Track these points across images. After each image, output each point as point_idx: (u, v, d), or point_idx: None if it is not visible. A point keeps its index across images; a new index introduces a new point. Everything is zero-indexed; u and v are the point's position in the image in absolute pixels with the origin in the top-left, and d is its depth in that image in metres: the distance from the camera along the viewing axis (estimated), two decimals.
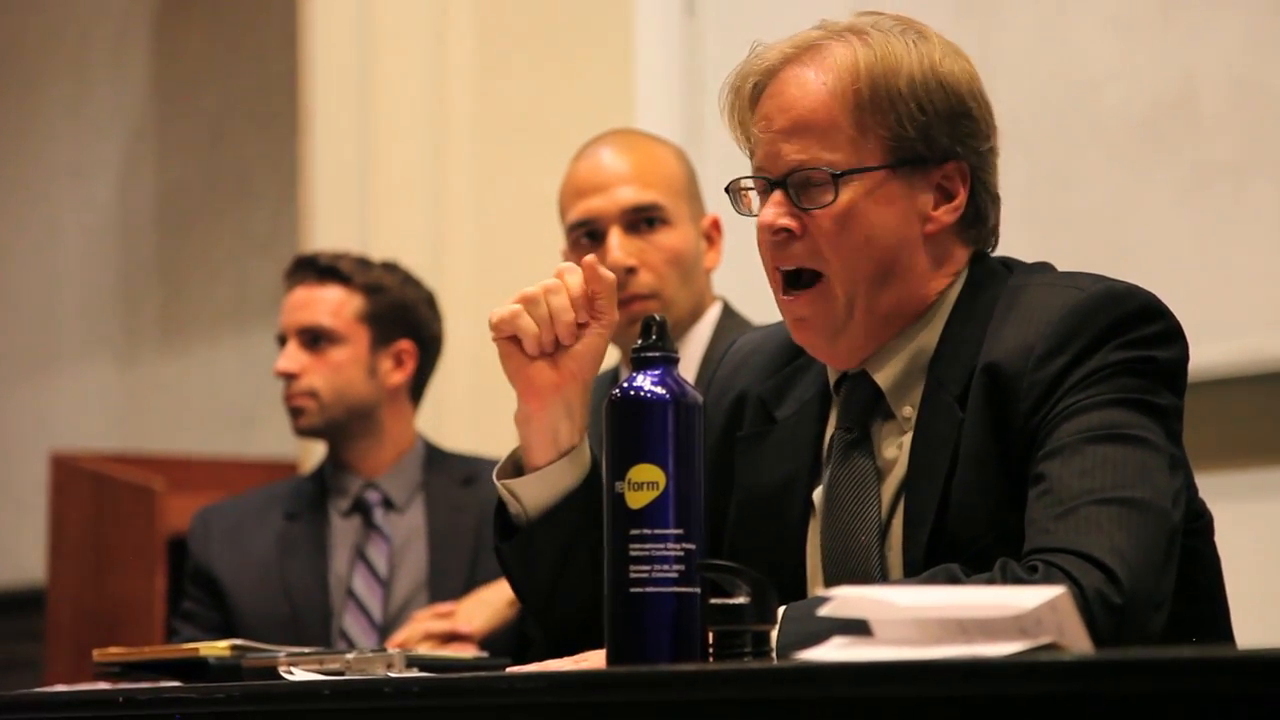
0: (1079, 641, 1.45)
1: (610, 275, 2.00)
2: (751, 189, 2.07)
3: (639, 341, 1.82)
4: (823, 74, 2.01)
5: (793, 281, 2.04)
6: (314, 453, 4.06)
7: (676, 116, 4.09)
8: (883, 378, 2.04)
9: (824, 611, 1.54)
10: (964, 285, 2.05)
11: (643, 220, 3.07)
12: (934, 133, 2.01)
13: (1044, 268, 2.08)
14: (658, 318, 1.83)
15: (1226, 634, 2.07)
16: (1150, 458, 1.88)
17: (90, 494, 4.67)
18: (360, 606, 3.41)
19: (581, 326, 2.01)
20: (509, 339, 2.01)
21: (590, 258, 2.01)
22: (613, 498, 1.78)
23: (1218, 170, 3.28)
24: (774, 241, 2.03)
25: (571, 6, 4.51)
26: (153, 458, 4.98)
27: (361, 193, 4.62)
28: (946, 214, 2.04)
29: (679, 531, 1.76)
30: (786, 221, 2.02)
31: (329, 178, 4.67)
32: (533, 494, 2.03)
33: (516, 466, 2.05)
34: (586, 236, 3.09)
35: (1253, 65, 3.25)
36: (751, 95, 2.05)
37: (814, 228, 2.01)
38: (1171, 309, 1.99)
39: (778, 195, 2.03)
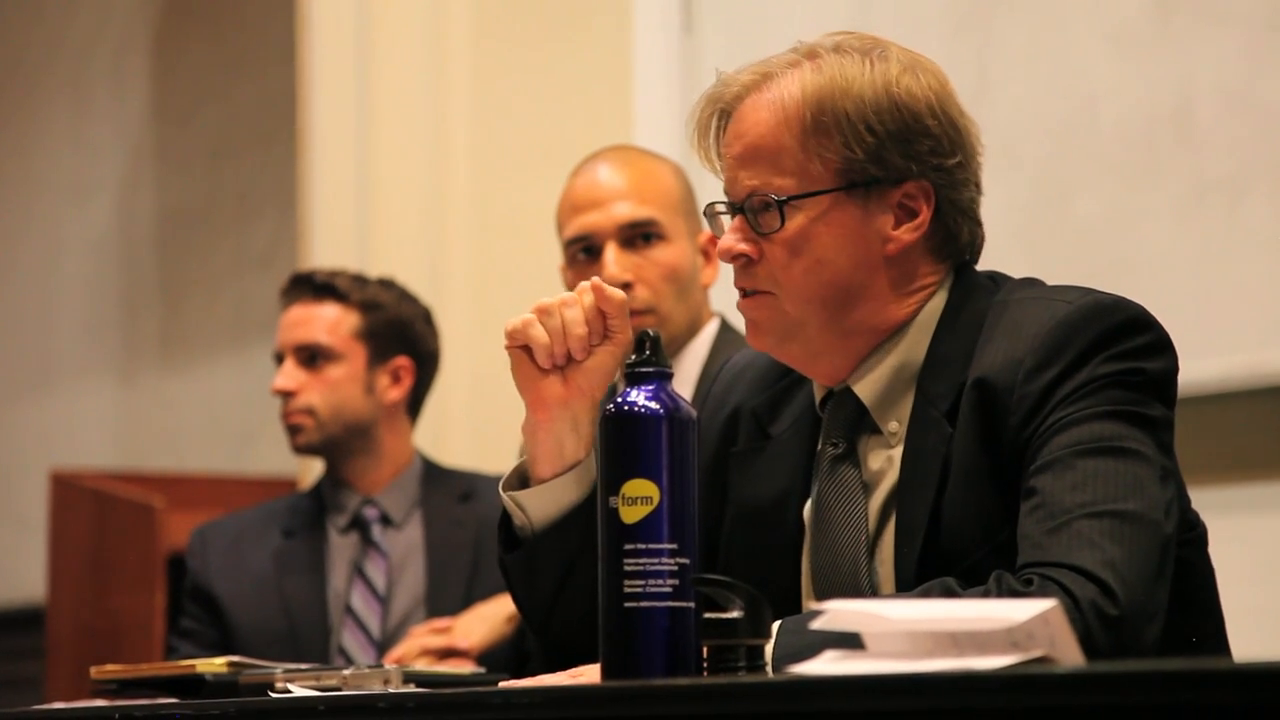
0: (1071, 654, 1.45)
1: (620, 295, 2.01)
2: (724, 213, 2.10)
3: (633, 356, 1.83)
4: (772, 101, 2.04)
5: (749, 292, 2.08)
6: (313, 470, 4.06)
7: (675, 134, 4.09)
8: (865, 393, 2.05)
9: (817, 625, 1.54)
10: (948, 299, 2.05)
11: (639, 236, 3.08)
12: (886, 153, 2.02)
13: (1031, 283, 2.08)
14: (651, 333, 1.83)
15: (1222, 647, 2.07)
16: (1142, 470, 1.89)
17: (90, 511, 4.67)
18: (358, 623, 3.41)
19: (595, 345, 2.01)
20: (521, 348, 2.01)
21: (597, 279, 2.03)
22: (607, 512, 1.78)
23: (1214, 185, 3.28)
24: (734, 266, 2.07)
25: (570, 24, 4.52)
26: (153, 475, 4.98)
27: (361, 211, 4.63)
28: (907, 233, 2.04)
29: (673, 546, 1.77)
30: (743, 247, 2.05)
31: (328, 196, 4.68)
32: (538, 506, 2.03)
33: (522, 478, 2.06)
34: (583, 252, 3.11)
35: (1248, 81, 3.26)
36: (716, 124, 2.09)
37: (769, 252, 2.04)
38: (1168, 323, 1.99)
39: (737, 221, 2.06)
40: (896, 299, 2.05)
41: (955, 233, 2.06)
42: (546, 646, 2.09)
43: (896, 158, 2.02)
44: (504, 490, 2.05)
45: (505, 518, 2.06)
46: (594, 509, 2.01)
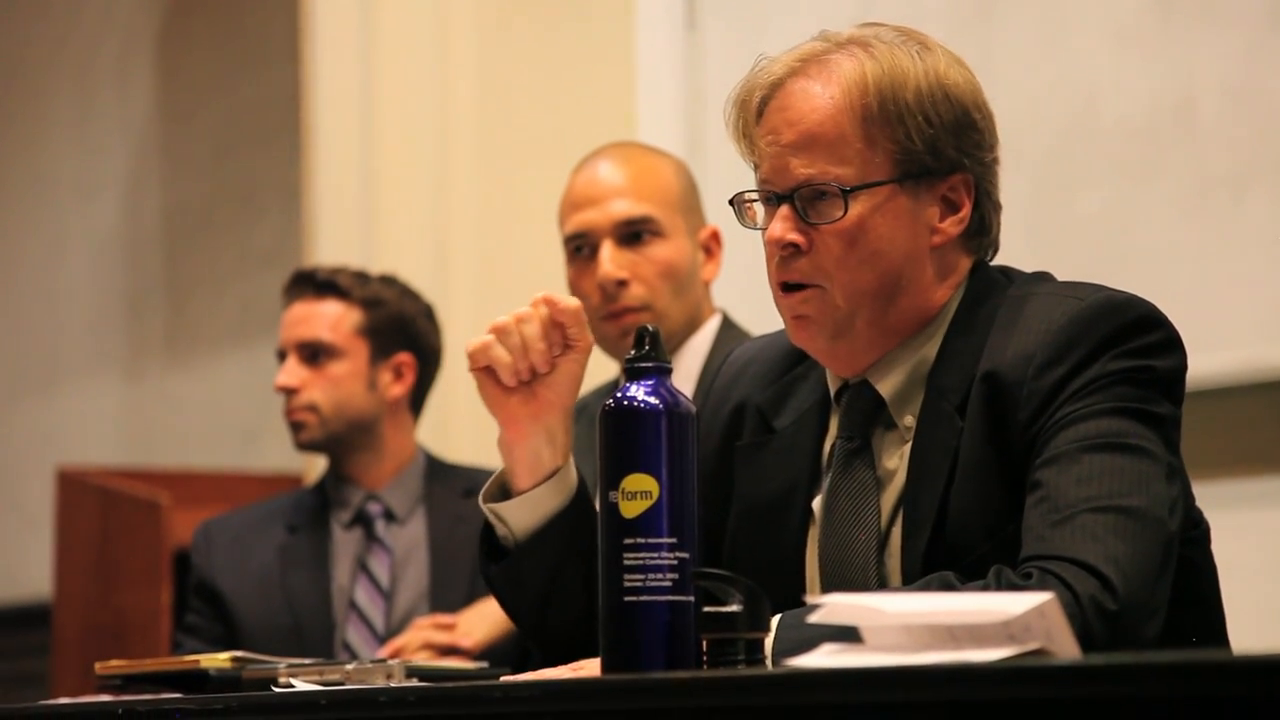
0: (1067, 647, 1.45)
1: (575, 303, 1.99)
2: (756, 202, 2.07)
3: (632, 353, 1.83)
4: (830, 87, 2.01)
5: (795, 286, 2.05)
6: (318, 466, 4.06)
7: (678, 130, 4.10)
8: (885, 387, 2.04)
9: (814, 619, 1.55)
10: (964, 295, 2.05)
11: (635, 233, 3.08)
12: (940, 145, 2.02)
13: (1043, 277, 2.08)
14: (650, 328, 1.83)
15: (1222, 642, 2.07)
16: (1148, 466, 1.89)
17: (96, 508, 4.67)
18: (362, 618, 3.42)
19: (558, 355, 1.99)
20: (484, 370, 2.00)
21: (548, 292, 2.00)
22: (606, 507, 1.79)
23: (1216, 181, 3.28)
24: (781, 256, 2.03)
25: (573, 23, 4.52)
26: (158, 472, 4.99)
27: (365, 207, 4.63)
28: (952, 225, 2.04)
29: (673, 540, 1.77)
30: (794, 236, 2.02)
31: (332, 193, 4.68)
32: (519, 518, 2.03)
33: (503, 490, 2.05)
34: (580, 249, 3.11)
35: (1250, 77, 3.26)
36: (757, 109, 2.05)
37: (820, 243, 2.02)
38: (1171, 318, 1.99)
39: (785, 210, 2.02)
40: (933, 293, 2.04)
41: (988, 226, 2.06)
42: (541, 647, 2.09)
43: (950, 149, 2.02)
44: (484, 503, 2.04)
45: (486, 530, 2.06)
46: (576, 514, 2.02)
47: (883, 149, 2.01)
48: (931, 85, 2.01)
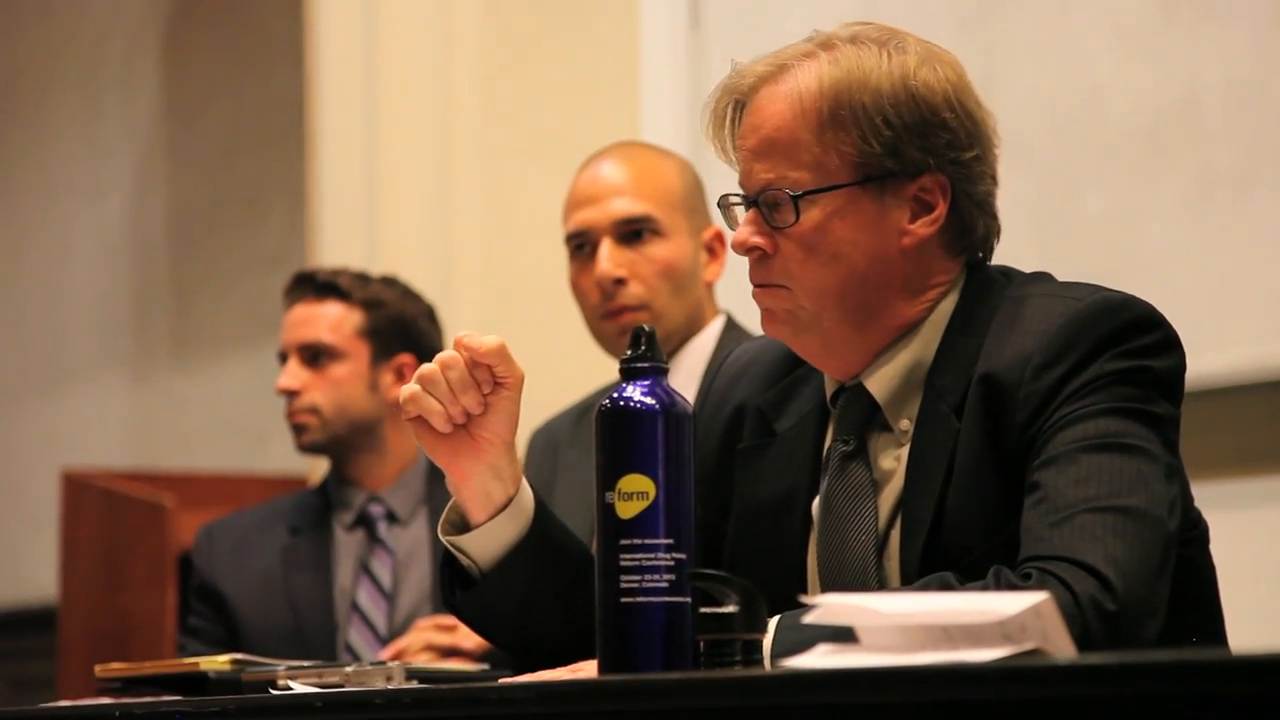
0: (1063, 647, 1.45)
1: (493, 341, 1.96)
2: (739, 205, 2.08)
3: (628, 352, 1.83)
4: (789, 93, 2.02)
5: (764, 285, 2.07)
6: (323, 468, 4.06)
7: (682, 129, 4.10)
8: (878, 390, 2.04)
9: (810, 619, 1.54)
10: (960, 296, 2.05)
11: (634, 232, 3.08)
12: (903, 146, 2.00)
13: (1042, 277, 2.08)
14: (646, 328, 1.83)
15: (1222, 642, 2.07)
16: (1146, 466, 1.88)
17: (101, 511, 4.67)
18: (365, 619, 3.42)
19: (489, 394, 1.98)
20: (418, 419, 1.98)
21: (462, 335, 1.97)
22: (603, 508, 1.78)
23: (1221, 179, 3.28)
24: (749, 260, 2.06)
25: (577, 22, 4.52)
26: (163, 474, 4.99)
27: (370, 209, 4.63)
28: (924, 227, 2.03)
29: (669, 541, 1.77)
30: (757, 241, 2.04)
31: (337, 195, 4.68)
32: (479, 549, 2.02)
33: (461, 519, 2.04)
34: (580, 248, 3.11)
35: (1255, 75, 3.26)
36: (731, 115, 2.07)
37: (784, 246, 2.03)
38: (1174, 318, 1.98)
39: (751, 214, 2.05)
40: (911, 295, 2.04)
41: (971, 226, 2.05)
42: (519, 658, 2.08)
43: (913, 151, 2.00)
44: (443, 535, 2.04)
45: (448, 558, 2.05)
46: (537, 538, 2.01)
47: (838, 153, 2.00)
48: (894, 86, 2.00)
